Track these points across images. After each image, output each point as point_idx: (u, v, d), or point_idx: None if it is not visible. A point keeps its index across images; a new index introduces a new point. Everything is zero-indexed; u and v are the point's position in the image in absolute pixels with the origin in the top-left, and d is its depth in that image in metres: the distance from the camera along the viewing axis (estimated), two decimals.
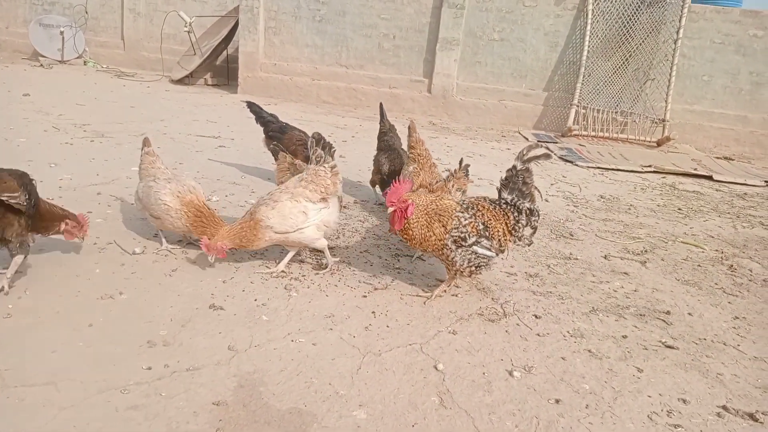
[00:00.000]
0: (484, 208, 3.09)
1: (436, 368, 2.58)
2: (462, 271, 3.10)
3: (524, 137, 8.83)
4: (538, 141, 8.55)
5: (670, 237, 4.72)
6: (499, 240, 3.05)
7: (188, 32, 10.52)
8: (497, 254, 3.10)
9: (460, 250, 3.01)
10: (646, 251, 4.32)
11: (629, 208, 5.46)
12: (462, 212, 3.04)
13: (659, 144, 8.82)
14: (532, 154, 3.03)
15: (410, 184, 3.16)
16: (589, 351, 2.84)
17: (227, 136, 6.88)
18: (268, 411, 2.20)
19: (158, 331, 2.64)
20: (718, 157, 8.55)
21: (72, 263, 3.20)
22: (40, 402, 2.11)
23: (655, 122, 9.05)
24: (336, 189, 3.35)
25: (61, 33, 11.34)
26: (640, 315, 3.28)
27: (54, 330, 2.57)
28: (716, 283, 3.85)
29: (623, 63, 9.19)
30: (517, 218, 3.06)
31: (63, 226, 3.01)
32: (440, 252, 3.08)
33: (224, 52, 11.22)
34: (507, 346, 2.82)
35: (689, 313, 3.37)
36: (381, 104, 5.37)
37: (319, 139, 3.36)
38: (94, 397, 2.17)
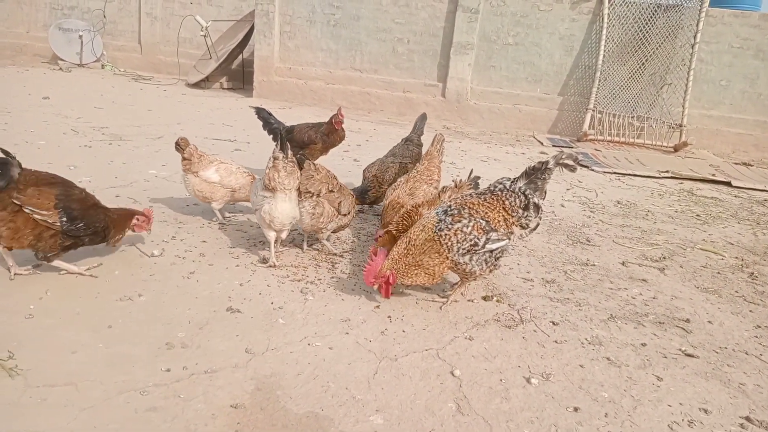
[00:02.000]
0: (475, 204, 3.01)
1: (452, 374, 2.56)
2: (483, 275, 3.09)
3: (539, 141, 8.79)
4: (553, 145, 8.50)
5: (689, 243, 4.67)
6: (503, 227, 3.01)
7: (204, 36, 10.63)
8: (509, 239, 3.04)
9: (475, 257, 2.99)
10: (664, 258, 4.27)
11: (647, 214, 5.40)
12: (458, 221, 2.96)
13: (676, 149, 8.73)
14: (566, 160, 3.03)
15: (384, 255, 3.10)
16: (608, 359, 2.81)
17: (243, 139, 6.93)
18: (285, 415, 2.20)
19: (176, 333, 2.66)
20: (736, 163, 8.44)
21: (91, 265, 3.23)
22: (62, 402, 2.13)
23: (672, 127, 8.96)
24: (273, 184, 3.26)
25: (80, 37, 11.52)
26: (659, 323, 3.24)
27: (74, 331, 2.59)
28: (737, 291, 3.80)
29: (639, 67, 9.12)
30: (514, 202, 3.00)
31: (133, 222, 3.25)
32: (455, 268, 3.05)
33: (240, 56, 11.32)
34: (524, 353, 2.79)
35: (709, 322, 3.33)
36: (423, 114, 5.25)
37: (289, 129, 3.44)
38: (113, 398, 2.19)
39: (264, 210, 3.34)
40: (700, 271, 4.10)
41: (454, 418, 2.27)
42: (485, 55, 9.59)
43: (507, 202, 3.00)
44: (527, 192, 2.98)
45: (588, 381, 2.61)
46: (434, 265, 3.01)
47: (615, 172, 7.08)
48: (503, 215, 3.00)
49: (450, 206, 3.07)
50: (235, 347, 2.60)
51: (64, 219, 2.89)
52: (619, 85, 9.13)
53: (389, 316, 3.02)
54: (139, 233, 3.38)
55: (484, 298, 3.32)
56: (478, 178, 3.86)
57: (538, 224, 3.08)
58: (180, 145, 3.93)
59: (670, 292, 3.69)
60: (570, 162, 3.00)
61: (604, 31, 8.99)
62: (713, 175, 7.31)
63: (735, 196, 6.52)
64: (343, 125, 4.87)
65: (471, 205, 3.01)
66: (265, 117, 5.13)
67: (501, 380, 2.55)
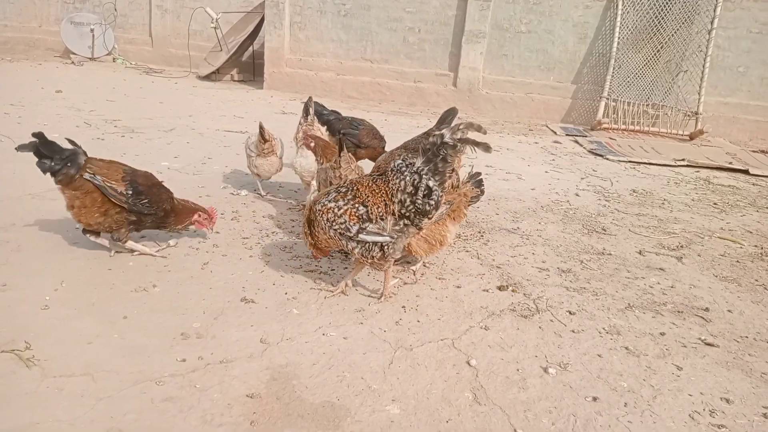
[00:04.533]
0: (362, 186, 2.79)
1: (468, 364, 2.54)
2: (371, 261, 2.85)
3: (552, 131, 8.69)
4: (567, 134, 8.41)
5: (707, 232, 4.59)
6: (380, 217, 2.70)
7: (215, 28, 10.60)
8: (393, 237, 2.74)
9: (352, 242, 2.79)
10: (681, 246, 4.20)
11: (663, 203, 5.32)
12: (334, 201, 2.80)
13: (692, 137, 8.58)
14: (468, 135, 2.59)
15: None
16: (626, 348, 2.76)
17: (254, 131, 6.89)
18: (301, 404, 2.19)
19: (191, 323, 2.66)
20: (754, 151, 8.28)
21: (106, 256, 3.24)
22: (79, 392, 2.14)
23: (688, 115, 8.80)
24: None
25: (92, 31, 11.55)
26: (678, 312, 3.19)
27: (90, 322, 2.60)
28: (756, 280, 3.72)
29: (655, 54, 8.95)
30: (398, 185, 2.68)
31: (195, 217, 3.37)
32: (338, 247, 2.92)
33: (250, 48, 11.28)
34: (541, 343, 2.76)
35: (729, 311, 3.27)
36: (453, 108, 5.13)
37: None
38: (129, 388, 2.20)
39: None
40: (718, 259, 4.03)
41: (471, 408, 2.25)
42: (497, 44, 9.47)
43: (390, 184, 2.71)
44: (422, 172, 2.64)
45: (606, 370, 2.57)
46: (324, 237, 2.93)
47: (630, 161, 6.98)
48: (385, 201, 2.72)
49: (344, 183, 2.93)
50: (250, 337, 2.59)
51: (130, 192, 3.08)
52: (634, 73, 8.97)
53: (403, 306, 3.00)
54: (200, 229, 3.46)
55: (500, 288, 3.28)
56: (479, 174, 3.48)
57: (426, 214, 2.70)
58: (263, 133, 4.36)
59: (689, 281, 3.63)
60: (473, 138, 2.59)
61: (619, 18, 8.83)
62: (730, 163, 7.18)
63: (753, 184, 6.40)
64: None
65: (359, 187, 2.80)
66: (318, 111, 5.09)
67: (518, 370, 2.53)
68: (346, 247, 2.87)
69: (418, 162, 2.67)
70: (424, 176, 2.64)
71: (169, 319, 2.68)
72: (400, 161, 2.74)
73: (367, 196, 2.77)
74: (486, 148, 2.63)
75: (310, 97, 4.73)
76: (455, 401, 2.29)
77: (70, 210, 3.09)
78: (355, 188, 2.83)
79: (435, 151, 2.61)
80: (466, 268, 3.54)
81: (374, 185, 2.79)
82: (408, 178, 2.67)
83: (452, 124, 2.70)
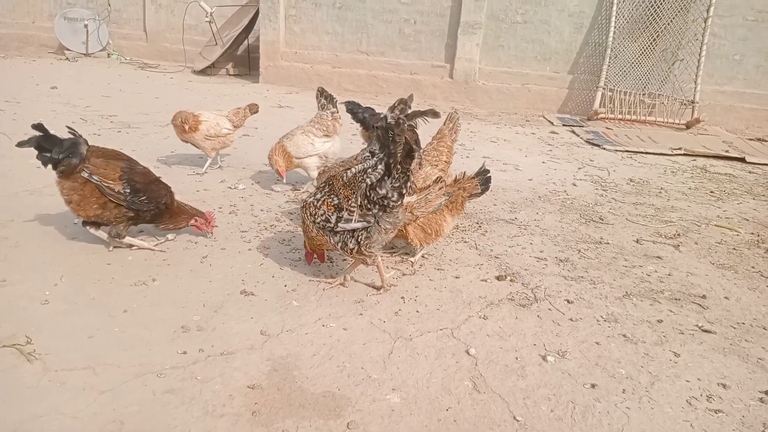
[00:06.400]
0: (335, 179, 2.89)
1: (468, 353, 2.56)
2: (356, 255, 2.90)
3: (549, 121, 8.69)
4: (564, 125, 8.41)
5: (703, 220, 4.60)
6: (352, 206, 2.78)
7: (209, 22, 10.54)
8: (372, 221, 2.78)
9: (337, 236, 2.85)
10: (679, 235, 4.22)
11: (660, 192, 5.34)
12: (314, 196, 2.93)
13: (688, 126, 8.59)
14: (399, 110, 2.78)
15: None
16: (624, 336, 2.79)
17: (250, 125, 6.86)
18: (302, 394, 2.21)
19: (192, 316, 2.67)
20: (750, 139, 8.30)
21: (105, 251, 3.25)
22: (80, 385, 2.15)
23: (684, 104, 8.80)
24: (336, 129, 4.38)
25: (85, 26, 11.48)
26: (675, 299, 3.21)
27: (90, 316, 2.61)
28: (753, 267, 3.75)
29: (651, 43, 8.94)
30: (366, 174, 2.73)
31: (192, 221, 3.38)
32: (329, 245, 2.97)
33: (245, 42, 11.24)
34: (539, 331, 2.78)
35: (726, 297, 3.29)
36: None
37: (322, 92, 4.46)
38: (131, 381, 2.21)
39: (324, 151, 4.43)
40: (715, 247, 4.05)
41: (470, 396, 2.27)
42: (493, 35, 9.45)
43: (352, 175, 2.79)
44: (377, 156, 2.68)
45: (604, 358, 2.59)
46: (315, 235, 2.99)
47: (627, 150, 6.99)
48: (354, 191, 2.79)
49: (323, 181, 3.02)
50: (250, 329, 2.61)
51: (128, 190, 3.07)
52: (630, 62, 8.96)
53: (402, 297, 3.01)
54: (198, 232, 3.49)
55: (498, 278, 3.30)
56: (488, 173, 3.44)
57: (385, 194, 2.73)
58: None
59: (686, 268, 3.65)
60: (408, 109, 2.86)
61: (615, 7, 8.81)
62: (727, 151, 7.20)
63: (749, 172, 6.42)
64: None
65: (335, 180, 2.89)
66: (351, 109, 5.07)
67: (517, 358, 2.55)
68: (331, 242, 2.91)
69: (376, 148, 2.71)
70: (378, 161, 2.69)
71: (169, 313, 2.69)
72: (367, 153, 2.79)
73: (339, 188, 2.86)
74: (433, 114, 2.86)
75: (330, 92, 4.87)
76: (455, 390, 2.31)
77: (69, 203, 3.08)
78: (330, 182, 2.93)
79: (385, 134, 2.63)
80: (465, 258, 3.55)
81: (346, 178, 2.86)
82: (367, 165, 2.73)
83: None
